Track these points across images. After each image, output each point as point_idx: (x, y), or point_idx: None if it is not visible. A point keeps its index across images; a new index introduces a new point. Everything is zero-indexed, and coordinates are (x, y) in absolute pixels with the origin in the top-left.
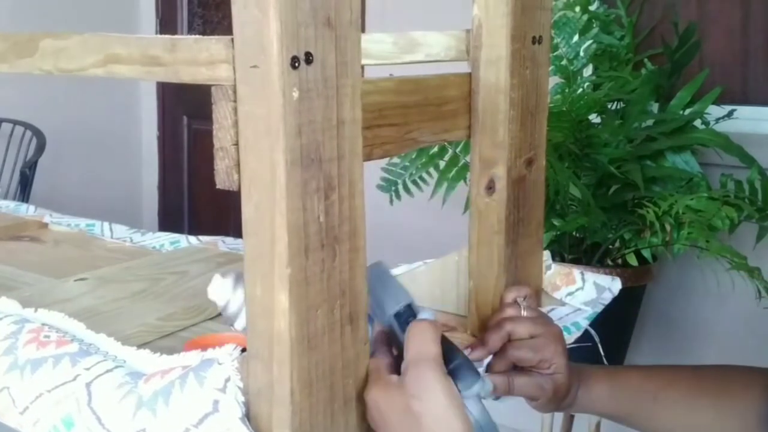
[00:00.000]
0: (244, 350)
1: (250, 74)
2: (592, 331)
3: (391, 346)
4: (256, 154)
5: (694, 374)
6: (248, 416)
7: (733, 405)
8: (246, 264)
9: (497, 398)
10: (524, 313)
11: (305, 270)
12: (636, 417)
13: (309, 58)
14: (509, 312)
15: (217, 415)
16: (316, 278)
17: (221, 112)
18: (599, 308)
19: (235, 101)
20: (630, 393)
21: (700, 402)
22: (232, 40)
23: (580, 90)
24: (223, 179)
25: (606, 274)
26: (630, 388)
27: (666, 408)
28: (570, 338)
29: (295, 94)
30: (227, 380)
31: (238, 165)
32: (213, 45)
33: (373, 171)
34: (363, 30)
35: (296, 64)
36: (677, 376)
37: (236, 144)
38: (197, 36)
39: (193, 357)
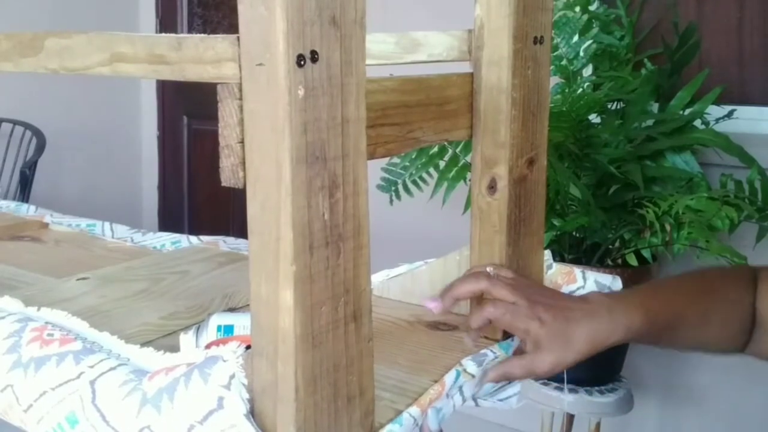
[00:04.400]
0: (248, 347)
1: (255, 72)
2: None
3: None
4: (262, 152)
5: (706, 287)
6: (253, 413)
7: (739, 311)
8: (251, 261)
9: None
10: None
11: (310, 267)
12: (664, 339)
13: (314, 57)
14: (484, 285)
15: (222, 412)
16: (321, 276)
17: (227, 110)
18: None
19: (240, 99)
20: (662, 319)
21: (711, 316)
22: (238, 38)
23: (580, 90)
24: (228, 177)
25: (606, 274)
26: (662, 316)
27: (689, 325)
28: None
29: (301, 93)
30: (232, 377)
31: (243, 163)
32: (219, 43)
33: (373, 171)
34: None
35: (302, 63)
36: (692, 291)
37: (242, 142)
38: (203, 35)
39: (197, 354)
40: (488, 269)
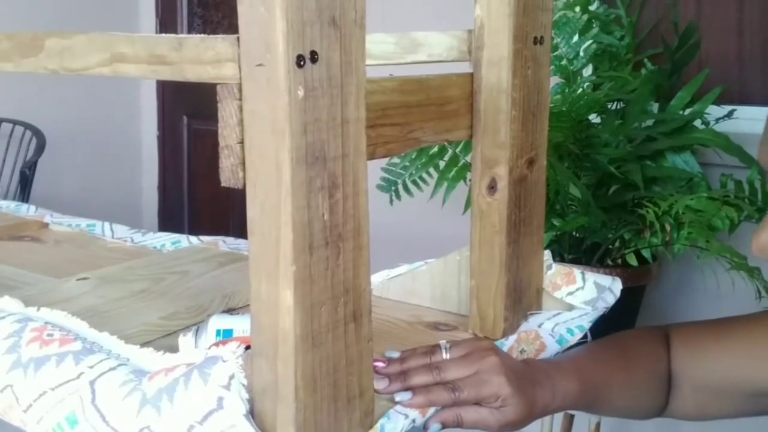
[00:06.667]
0: (248, 348)
1: (255, 73)
2: (588, 335)
3: None
4: (262, 153)
5: (625, 352)
6: (252, 413)
7: (657, 372)
8: (251, 261)
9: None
10: (447, 356)
11: (310, 267)
12: (594, 405)
13: (314, 57)
14: (435, 357)
15: (222, 412)
16: (321, 276)
17: (227, 111)
18: (602, 310)
19: (240, 99)
20: (593, 386)
21: (636, 380)
22: (238, 38)
23: (580, 90)
24: (228, 177)
25: (606, 274)
26: (593, 383)
27: (615, 391)
28: (573, 339)
29: (301, 93)
30: (231, 377)
31: (243, 163)
32: (219, 44)
33: (373, 171)
34: None
35: (302, 63)
36: (618, 356)
37: (241, 142)
38: (203, 35)
39: (197, 354)
40: (442, 342)
